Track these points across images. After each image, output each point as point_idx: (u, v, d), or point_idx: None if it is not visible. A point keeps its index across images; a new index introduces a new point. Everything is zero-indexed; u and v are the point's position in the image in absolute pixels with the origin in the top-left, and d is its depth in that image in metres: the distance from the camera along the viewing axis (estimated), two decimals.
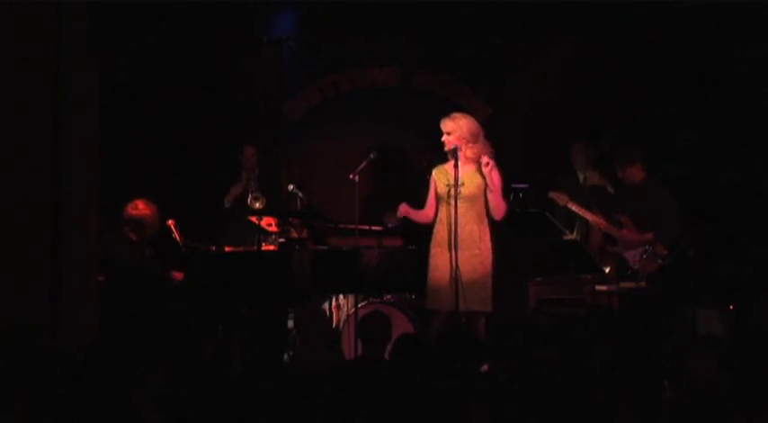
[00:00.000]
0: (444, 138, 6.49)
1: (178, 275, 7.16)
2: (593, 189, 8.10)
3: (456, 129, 6.47)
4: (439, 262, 6.45)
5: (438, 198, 6.55)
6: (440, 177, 6.56)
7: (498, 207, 6.49)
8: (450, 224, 6.38)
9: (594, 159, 8.17)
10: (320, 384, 4.28)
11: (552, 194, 7.79)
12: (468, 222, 6.43)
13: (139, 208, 6.99)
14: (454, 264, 6.28)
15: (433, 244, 6.53)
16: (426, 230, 6.65)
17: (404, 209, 6.62)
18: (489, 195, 6.46)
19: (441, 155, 6.63)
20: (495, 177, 6.46)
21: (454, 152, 6.40)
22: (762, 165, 7.97)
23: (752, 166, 8.02)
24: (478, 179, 6.47)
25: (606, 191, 8.08)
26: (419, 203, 6.69)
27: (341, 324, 7.43)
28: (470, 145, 6.47)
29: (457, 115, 6.57)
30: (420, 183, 7.01)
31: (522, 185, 7.32)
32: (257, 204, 7.66)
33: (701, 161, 8.14)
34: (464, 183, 6.42)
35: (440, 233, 6.50)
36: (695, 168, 8.14)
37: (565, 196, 7.75)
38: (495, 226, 6.60)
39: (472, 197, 6.46)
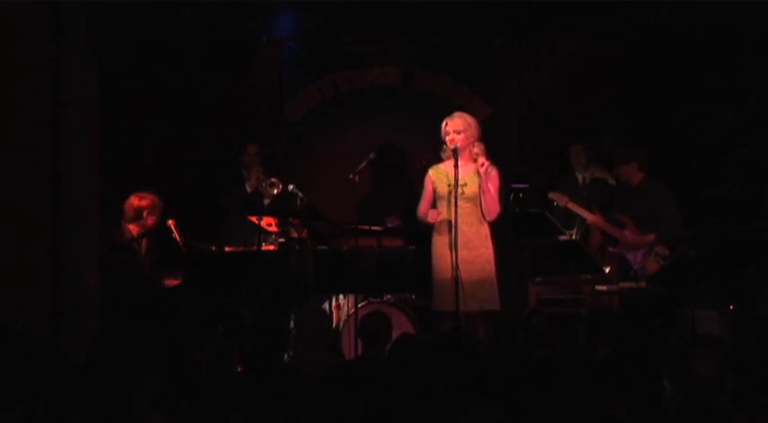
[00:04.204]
0: (452, 136, 6.43)
1: (174, 281, 7.15)
2: (594, 182, 8.10)
3: (467, 128, 6.46)
4: (443, 262, 6.41)
5: (438, 198, 6.53)
6: (439, 178, 6.53)
7: (491, 209, 6.47)
8: (452, 224, 6.35)
9: (595, 160, 8.18)
10: (320, 384, 4.28)
11: (552, 195, 7.79)
12: (474, 222, 6.42)
13: (147, 197, 7.14)
14: (455, 263, 6.27)
15: (439, 244, 6.49)
16: (427, 230, 6.63)
17: (434, 215, 6.51)
18: (483, 196, 6.44)
19: (437, 155, 6.63)
20: (493, 177, 6.44)
21: (455, 152, 6.37)
22: (763, 164, 7.97)
23: (753, 165, 8.02)
24: (480, 179, 6.46)
25: (608, 183, 8.08)
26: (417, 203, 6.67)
27: (341, 324, 7.43)
28: (475, 145, 6.48)
29: (464, 115, 6.57)
30: (420, 183, 7.02)
31: (522, 185, 7.32)
32: (275, 191, 7.64)
33: (701, 161, 8.14)
34: (467, 183, 6.41)
35: (445, 234, 6.45)
36: (696, 168, 8.15)
37: (565, 197, 7.75)
38: (493, 225, 6.59)
39: (475, 197, 6.45)
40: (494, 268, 6.47)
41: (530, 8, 8.33)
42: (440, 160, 6.63)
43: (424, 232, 6.70)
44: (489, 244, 6.48)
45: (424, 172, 6.70)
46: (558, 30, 8.44)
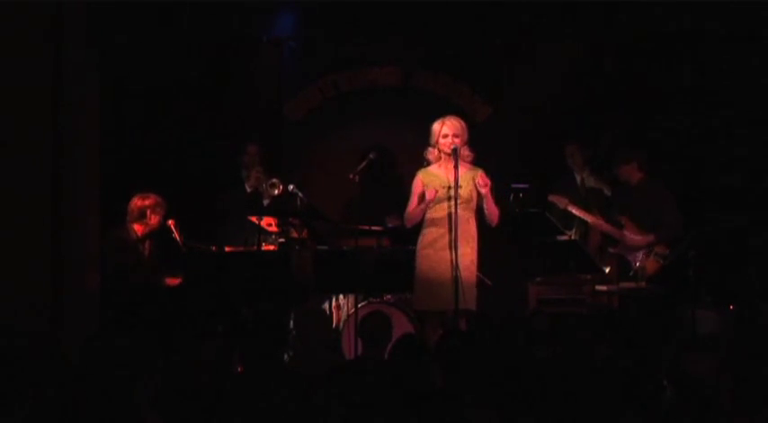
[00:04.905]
0: (450, 139, 6.44)
1: (173, 281, 7.15)
2: (590, 192, 8.11)
3: (463, 131, 6.49)
4: (432, 263, 6.40)
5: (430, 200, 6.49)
6: (432, 180, 6.50)
7: (495, 216, 6.51)
8: (451, 224, 6.35)
9: (591, 160, 8.18)
10: (320, 384, 4.28)
11: (552, 198, 7.80)
12: (462, 222, 6.42)
13: (149, 196, 7.19)
14: (455, 263, 6.27)
15: (422, 245, 6.48)
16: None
17: (431, 193, 6.45)
18: (486, 206, 6.44)
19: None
20: (489, 195, 6.45)
21: (455, 153, 6.38)
22: (763, 164, 7.98)
23: (752, 165, 8.02)
24: (473, 181, 6.47)
25: (603, 194, 8.09)
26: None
27: (341, 324, 7.43)
28: (466, 147, 6.49)
29: (458, 117, 6.58)
30: None
31: (522, 186, 7.32)
32: (275, 191, 7.63)
33: (700, 161, 8.15)
34: (461, 185, 6.42)
35: (431, 234, 6.45)
36: (695, 168, 8.15)
37: (565, 199, 7.76)
38: (483, 226, 6.60)
39: (469, 198, 6.46)
40: (475, 269, 6.48)
41: (530, 8, 8.33)
42: (426, 162, 6.60)
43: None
44: (474, 245, 6.48)
45: None
46: (558, 29, 8.44)
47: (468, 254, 6.42)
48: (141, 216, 7.15)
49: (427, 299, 6.44)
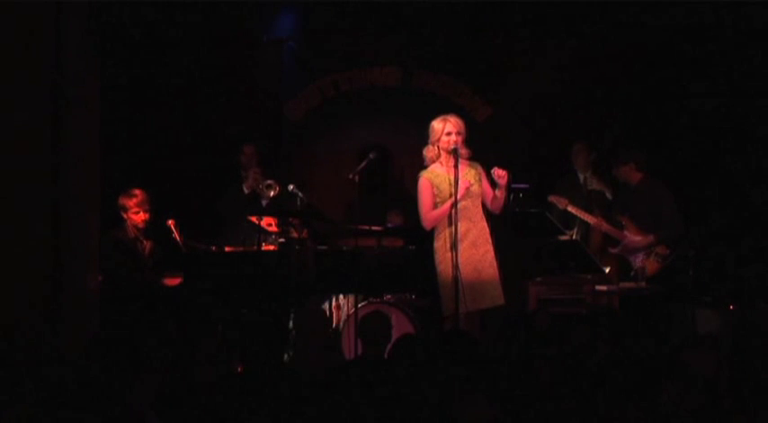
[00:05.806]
0: (454, 137, 6.42)
1: (173, 281, 7.15)
2: (591, 193, 8.11)
3: (464, 129, 6.49)
4: (459, 263, 6.36)
5: (442, 202, 6.47)
6: (440, 181, 6.48)
7: (499, 207, 6.51)
8: (457, 222, 6.32)
9: (595, 162, 8.18)
10: (320, 384, 4.28)
11: (552, 199, 7.80)
12: (479, 220, 6.44)
13: (125, 196, 7.20)
14: (455, 262, 6.26)
15: (443, 248, 6.44)
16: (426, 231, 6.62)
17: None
18: (498, 198, 6.44)
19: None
20: (505, 187, 6.47)
21: (456, 152, 6.38)
22: (762, 163, 7.98)
23: (752, 164, 8.02)
24: (478, 175, 6.47)
25: (605, 197, 8.08)
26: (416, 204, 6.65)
27: (341, 324, 7.43)
28: (464, 144, 6.49)
29: (458, 115, 6.58)
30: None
31: (523, 185, 7.30)
32: (272, 192, 7.62)
33: (700, 160, 8.15)
34: (471, 183, 6.43)
35: (448, 235, 6.41)
36: (695, 168, 8.15)
37: (565, 200, 7.76)
38: (492, 225, 6.61)
39: (477, 195, 6.47)
40: (497, 264, 6.50)
41: (529, 8, 8.33)
42: (424, 160, 6.59)
43: (426, 232, 6.68)
44: (491, 241, 6.50)
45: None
46: (558, 29, 8.44)
47: (489, 250, 6.44)
48: (123, 217, 7.18)
49: (454, 301, 6.31)
